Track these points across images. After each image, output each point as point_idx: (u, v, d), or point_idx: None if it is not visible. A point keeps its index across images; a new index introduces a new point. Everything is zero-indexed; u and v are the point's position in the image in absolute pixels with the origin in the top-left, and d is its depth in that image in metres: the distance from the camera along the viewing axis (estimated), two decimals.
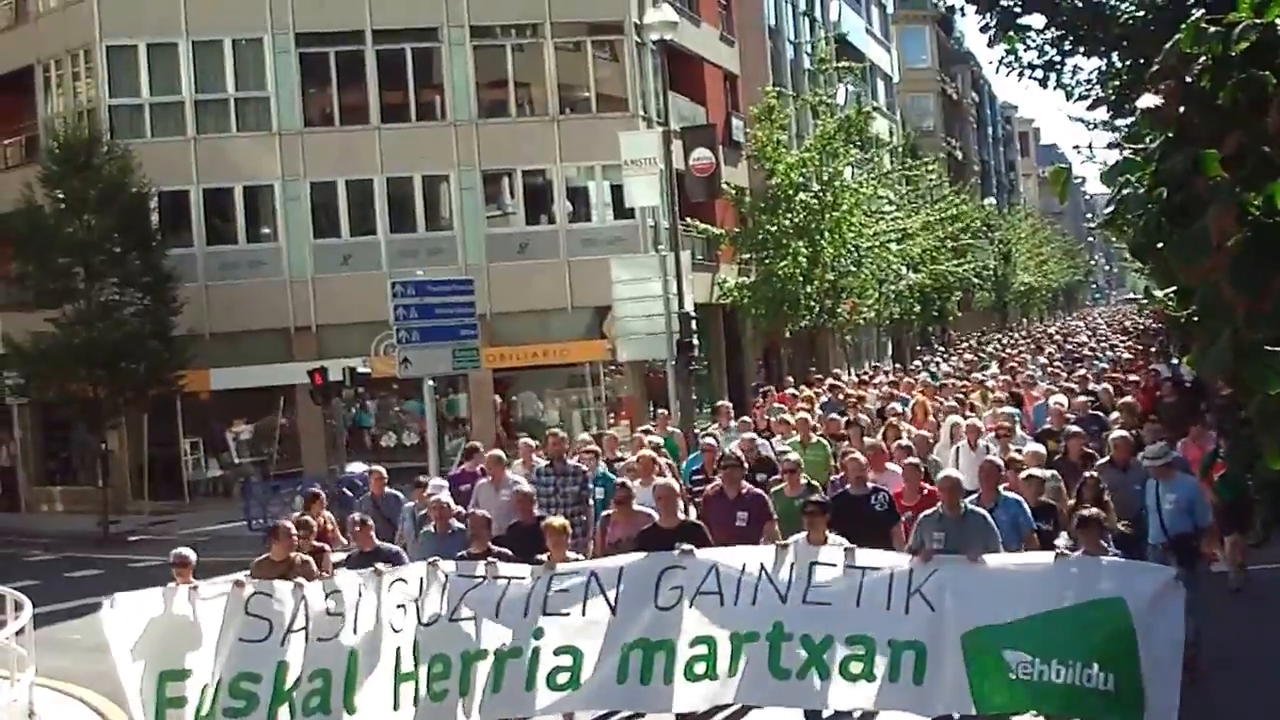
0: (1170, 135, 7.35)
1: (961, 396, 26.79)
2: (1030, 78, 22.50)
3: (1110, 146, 22.40)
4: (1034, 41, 22.14)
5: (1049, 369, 35.38)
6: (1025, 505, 14.08)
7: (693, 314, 32.79)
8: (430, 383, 29.87)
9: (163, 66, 41.68)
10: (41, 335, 37.42)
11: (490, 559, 13.13)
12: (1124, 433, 17.59)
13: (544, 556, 13.22)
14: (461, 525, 15.34)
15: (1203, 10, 7.24)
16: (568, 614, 12.51)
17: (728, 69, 53.04)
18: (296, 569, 13.74)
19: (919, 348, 68.21)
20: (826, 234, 46.60)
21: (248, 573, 13.67)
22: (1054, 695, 11.34)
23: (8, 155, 45.96)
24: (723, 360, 50.20)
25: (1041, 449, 17.38)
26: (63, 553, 34.43)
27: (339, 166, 41.76)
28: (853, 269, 49.60)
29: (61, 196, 38.09)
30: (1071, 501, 14.83)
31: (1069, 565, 11.73)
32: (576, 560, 13.56)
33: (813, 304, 47.44)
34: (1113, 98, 22.37)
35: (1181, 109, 7.15)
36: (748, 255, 47.68)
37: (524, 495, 16.08)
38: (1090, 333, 65.25)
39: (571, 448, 20.92)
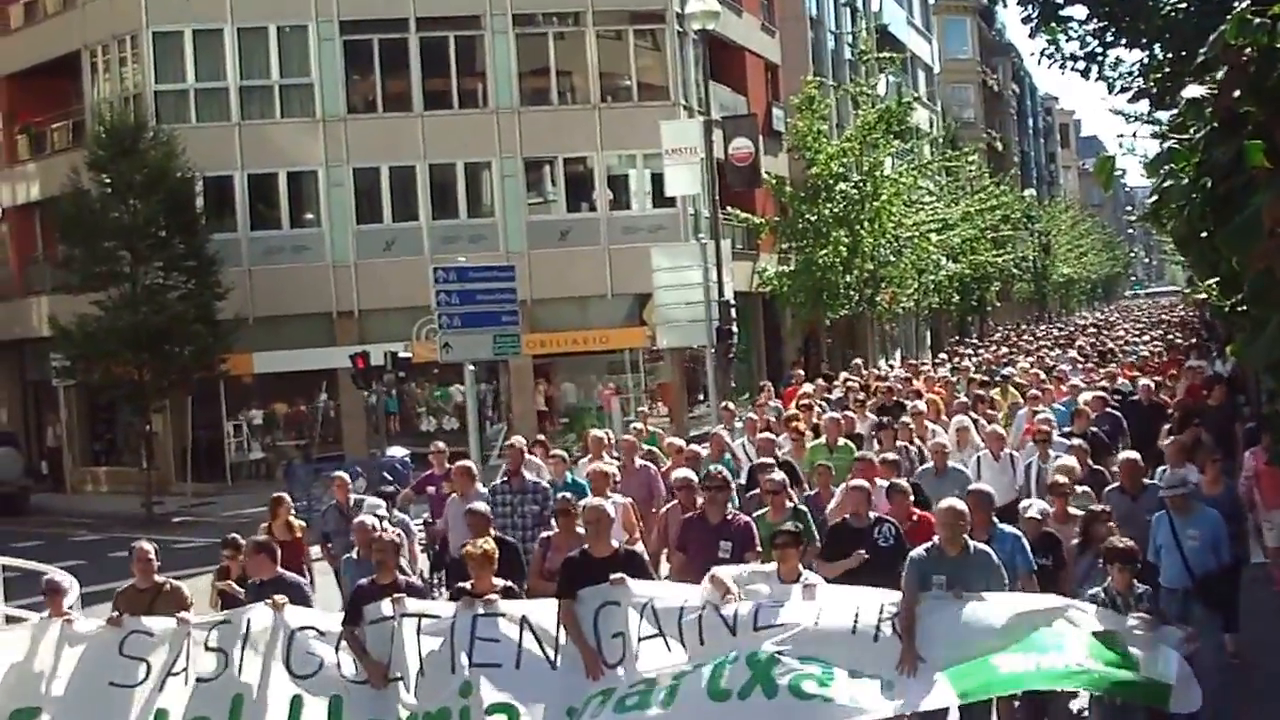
0: (1215, 125, 7.44)
1: (980, 394, 23.98)
2: (1072, 69, 22.52)
3: (1154, 136, 22.35)
4: (1075, 33, 22.12)
5: (1083, 365, 32.27)
6: (1025, 541, 12.07)
7: (732, 302, 32.97)
8: (471, 368, 30.08)
9: (208, 53, 42.03)
10: (87, 318, 37.89)
11: (397, 594, 11.55)
12: (1133, 454, 15.04)
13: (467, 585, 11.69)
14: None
15: (1247, 1, 7.33)
16: (499, 665, 11.08)
17: (769, 59, 53.08)
18: (165, 595, 12.37)
19: (955, 337, 68.12)
20: (866, 224, 46.67)
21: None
22: (1054, 675, 10.34)
23: (55, 140, 46.49)
24: (762, 348, 50.35)
25: (1073, 462, 14.98)
26: (107, 533, 34.76)
27: (382, 153, 42.03)
28: (892, 259, 49.67)
29: (108, 181, 38.51)
30: (1076, 538, 12.75)
31: (1079, 611, 10.71)
32: (505, 587, 11.81)
33: (852, 293, 47.52)
34: (1154, 90, 22.25)
35: (1235, 94, 7.22)
36: (787, 244, 47.75)
37: (477, 515, 13.71)
38: (1129, 325, 64.85)
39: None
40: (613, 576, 11.19)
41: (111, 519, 37.28)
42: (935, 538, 11.37)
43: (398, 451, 33.01)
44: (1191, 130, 7.91)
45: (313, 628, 11.60)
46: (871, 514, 13.16)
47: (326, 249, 42.05)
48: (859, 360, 39.43)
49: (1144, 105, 25.50)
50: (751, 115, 44.08)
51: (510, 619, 11.28)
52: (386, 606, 11.38)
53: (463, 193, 42.98)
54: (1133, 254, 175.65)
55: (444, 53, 42.64)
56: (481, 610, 11.29)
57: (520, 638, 11.17)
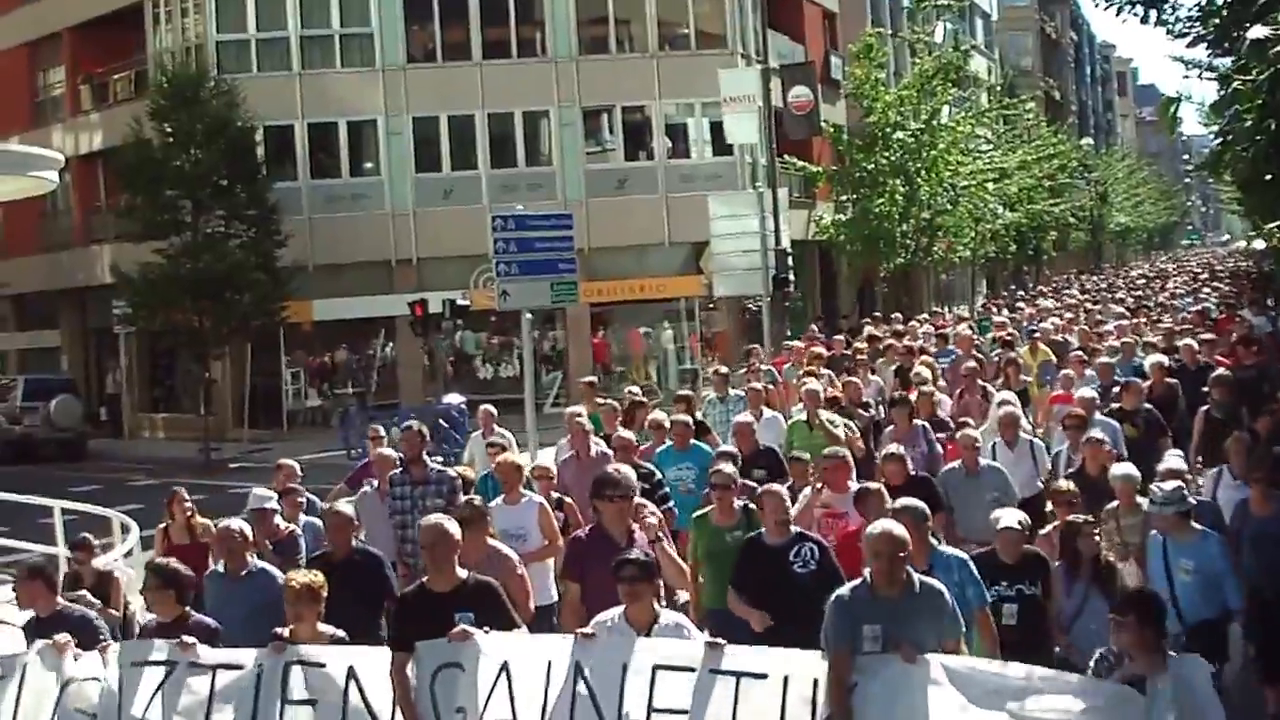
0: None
1: (1012, 356, 20.27)
2: (1130, 14, 22.35)
3: (1216, 79, 22.07)
4: None
5: (1130, 320, 29.09)
6: (973, 568, 9.57)
7: (789, 250, 33.04)
8: (528, 315, 30.25)
9: (269, 3, 42.17)
10: (149, 266, 38.25)
11: (181, 639, 9.02)
12: (1176, 460, 12.30)
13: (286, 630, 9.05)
14: (268, 563, 10.92)
15: None
16: None
17: (826, 7, 52.89)
18: None
19: (1012, 287, 67.88)
20: (923, 172, 46.56)
21: None
22: None
23: (118, 90, 46.83)
24: (817, 297, 50.33)
25: (1130, 468, 11.93)
26: (165, 478, 35.16)
27: (441, 102, 42.12)
28: (949, 207, 49.53)
29: (169, 130, 38.79)
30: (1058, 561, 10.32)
31: (1061, 685, 7.85)
32: (334, 636, 9.17)
33: (908, 242, 47.47)
34: (1213, 35, 22.10)
35: None
36: (844, 193, 47.68)
37: (337, 516, 11.05)
38: (1184, 279, 64.13)
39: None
40: (456, 628, 8.51)
41: (169, 465, 37.58)
42: (866, 571, 8.26)
43: (454, 399, 33.19)
44: (1255, 72, 7.88)
45: (95, 679, 9.13)
46: (793, 528, 10.40)
47: (386, 198, 42.26)
48: (896, 313, 38.23)
49: (1202, 51, 25.32)
50: (809, 63, 44.06)
51: (333, 671, 8.78)
52: (163, 650, 9.02)
53: (521, 141, 43.07)
54: (1189, 203, 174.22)
55: (503, 2, 42.54)
56: (295, 658, 8.81)
57: (345, 701, 8.68)
